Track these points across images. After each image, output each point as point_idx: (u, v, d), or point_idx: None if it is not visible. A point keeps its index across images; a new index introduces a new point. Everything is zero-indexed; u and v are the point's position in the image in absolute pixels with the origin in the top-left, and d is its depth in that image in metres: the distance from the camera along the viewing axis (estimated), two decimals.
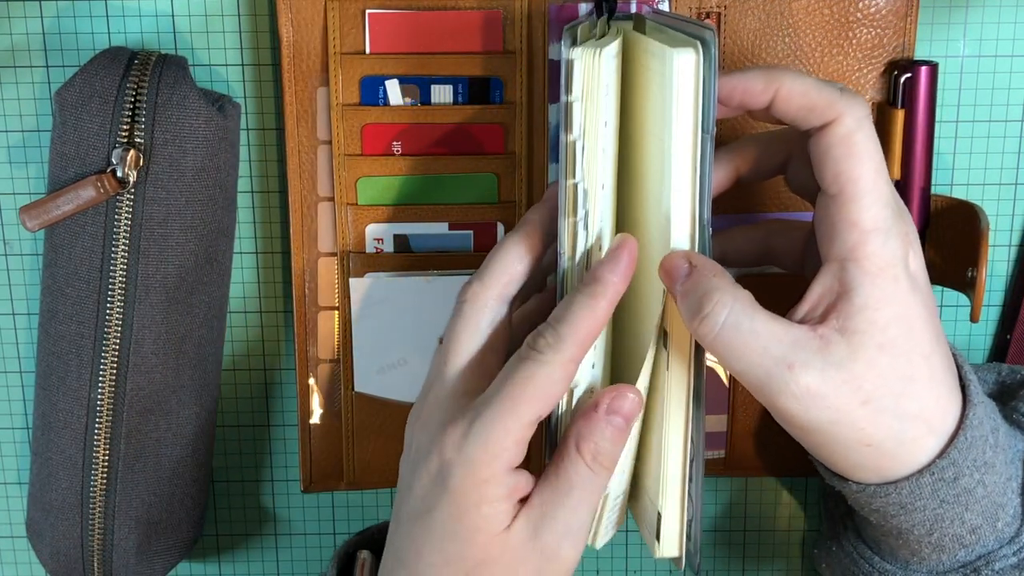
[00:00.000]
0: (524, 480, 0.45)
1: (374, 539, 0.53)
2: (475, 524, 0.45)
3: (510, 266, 0.47)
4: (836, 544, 0.51)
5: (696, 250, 0.45)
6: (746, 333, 0.43)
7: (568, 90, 0.44)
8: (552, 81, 0.55)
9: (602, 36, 0.47)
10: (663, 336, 0.47)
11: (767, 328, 0.43)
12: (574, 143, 0.45)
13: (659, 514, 0.48)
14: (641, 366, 0.47)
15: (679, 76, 0.43)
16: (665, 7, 0.55)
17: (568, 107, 0.44)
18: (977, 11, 0.56)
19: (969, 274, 0.53)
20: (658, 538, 0.49)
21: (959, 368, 0.47)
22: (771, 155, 0.49)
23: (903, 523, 0.46)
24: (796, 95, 0.44)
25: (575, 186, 0.45)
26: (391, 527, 0.48)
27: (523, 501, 0.46)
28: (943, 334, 0.46)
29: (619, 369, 0.51)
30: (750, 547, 0.64)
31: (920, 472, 0.44)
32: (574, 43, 0.44)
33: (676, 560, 0.49)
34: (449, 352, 0.47)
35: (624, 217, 0.49)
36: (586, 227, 0.46)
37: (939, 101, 0.55)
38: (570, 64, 0.44)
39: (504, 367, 0.45)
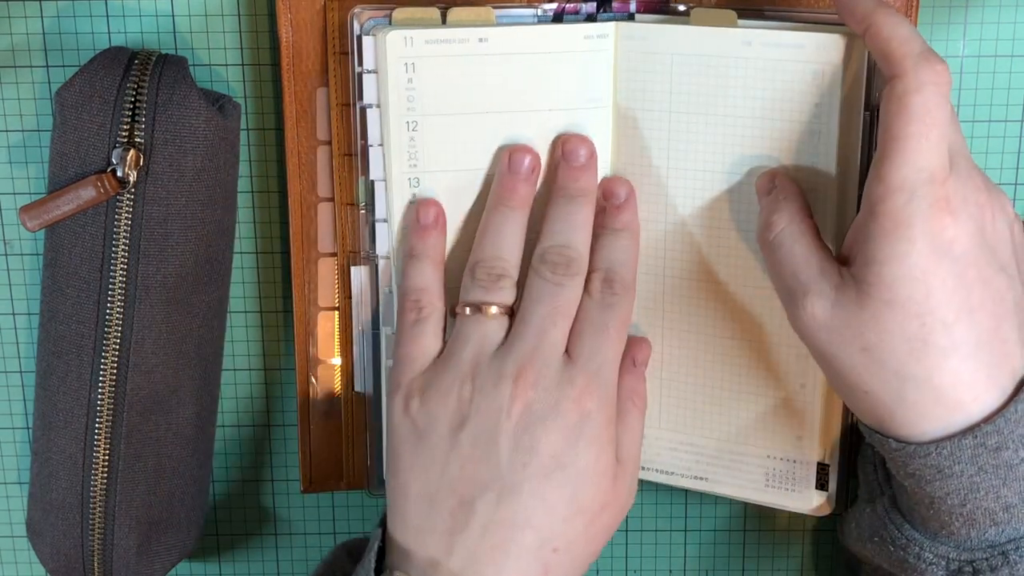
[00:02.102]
0: None
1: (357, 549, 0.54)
2: (607, 465, 0.50)
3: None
4: (870, 507, 0.51)
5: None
6: (786, 253, 0.48)
7: (359, 62, 0.51)
8: None
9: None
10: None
11: (803, 253, 0.48)
12: (363, 109, 0.52)
13: (821, 464, 0.54)
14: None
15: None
16: None
17: (359, 77, 0.52)
18: (977, 11, 0.56)
19: None
20: (824, 488, 0.55)
21: None
22: None
23: (937, 490, 0.46)
24: (879, 39, 0.45)
25: (364, 147, 0.53)
26: (451, 509, 0.49)
27: None
28: (1004, 311, 0.45)
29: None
30: (750, 547, 0.64)
31: (963, 433, 0.45)
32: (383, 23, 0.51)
33: (821, 507, 0.55)
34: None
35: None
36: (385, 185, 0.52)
37: None
38: (360, 40, 0.51)
39: (588, 319, 0.50)
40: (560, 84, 0.51)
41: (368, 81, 0.51)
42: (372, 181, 0.53)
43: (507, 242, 0.51)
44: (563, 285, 0.50)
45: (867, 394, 0.46)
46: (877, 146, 0.45)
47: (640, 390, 0.53)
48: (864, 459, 0.53)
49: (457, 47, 0.50)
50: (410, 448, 0.50)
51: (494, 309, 0.50)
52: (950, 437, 0.45)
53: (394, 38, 0.50)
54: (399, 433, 0.51)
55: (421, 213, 0.52)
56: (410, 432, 0.50)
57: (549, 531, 0.48)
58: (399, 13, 0.51)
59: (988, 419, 0.45)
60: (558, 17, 0.52)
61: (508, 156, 0.52)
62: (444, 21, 0.51)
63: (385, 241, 0.53)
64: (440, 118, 0.51)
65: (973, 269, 0.45)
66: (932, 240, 0.44)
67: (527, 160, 0.51)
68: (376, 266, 0.54)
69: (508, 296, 0.51)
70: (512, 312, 0.51)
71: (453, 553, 0.48)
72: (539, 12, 0.52)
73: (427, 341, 0.51)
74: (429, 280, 0.52)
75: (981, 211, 0.45)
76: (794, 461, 0.54)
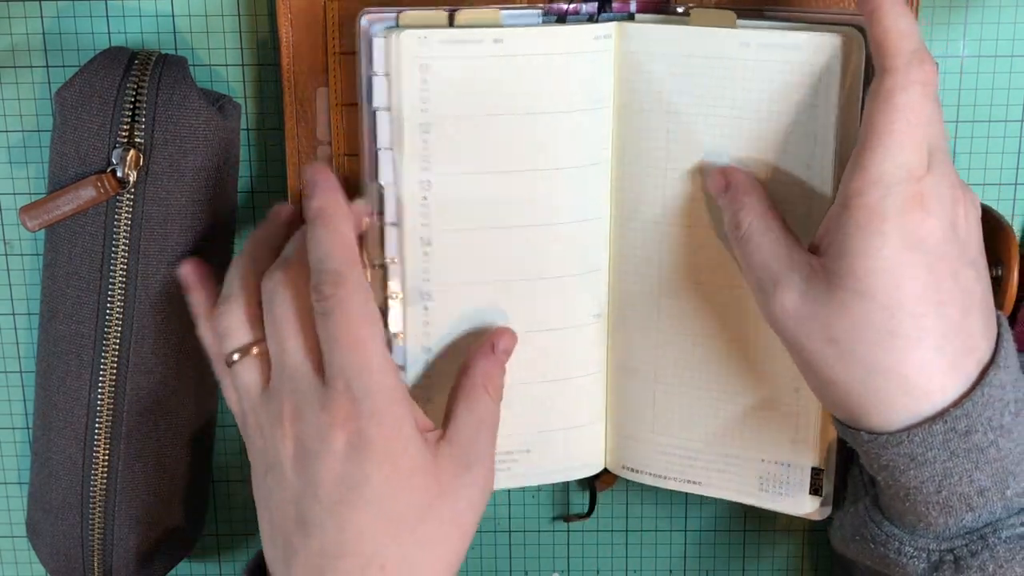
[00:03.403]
0: (419, 411, 0.48)
1: None
2: (409, 467, 0.46)
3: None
4: (853, 507, 0.52)
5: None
6: (755, 247, 0.48)
7: (370, 64, 0.50)
8: None
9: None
10: None
11: (772, 245, 0.48)
12: (374, 113, 0.51)
13: (815, 469, 0.54)
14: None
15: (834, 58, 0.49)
16: None
17: (369, 81, 0.51)
18: (977, 11, 0.56)
19: (995, 272, 0.53)
20: (819, 493, 0.55)
21: (999, 337, 0.47)
22: None
23: (912, 479, 0.46)
24: (879, 28, 0.45)
25: (375, 152, 0.51)
26: (281, 545, 0.47)
27: (429, 433, 0.48)
28: (971, 303, 0.46)
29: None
30: (750, 547, 0.64)
31: (932, 419, 0.45)
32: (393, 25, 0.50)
33: (815, 512, 0.55)
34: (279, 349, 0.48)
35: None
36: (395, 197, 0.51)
37: None
38: (370, 42, 0.50)
39: (319, 332, 0.46)
40: (568, 85, 0.51)
41: (379, 84, 0.51)
42: (382, 185, 0.52)
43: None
44: (274, 296, 0.48)
45: (836, 385, 0.47)
46: (858, 139, 0.46)
47: (495, 375, 0.51)
48: (853, 463, 0.54)
49: (472, 48, 0.50)
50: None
51: (236, 355, 0.48)
52: (920, 424, 0.45)
53: (409, 38, 0.49)
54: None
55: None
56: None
57: (368, 552, 0.46)
58: (406, 16, 0.50)
59: (956, 404, 0.45)
60: (561, 18, 0.52)
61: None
62: (451, 23, 0.51)
63: (394, 245, 0.52)
64: (453, 120, 0.51)
65: (943, 263, 0.45)
66: (905, 235, 0.45)
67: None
68: (385, 270, 0.53)
69: (244, 336, 0.49)
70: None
71: None
72: (543, 12, 0.52)
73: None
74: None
75: (954, 206, 0.46)
76: (788, 465, 0.54)
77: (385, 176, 0.51)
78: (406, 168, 0.51)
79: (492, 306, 0.53)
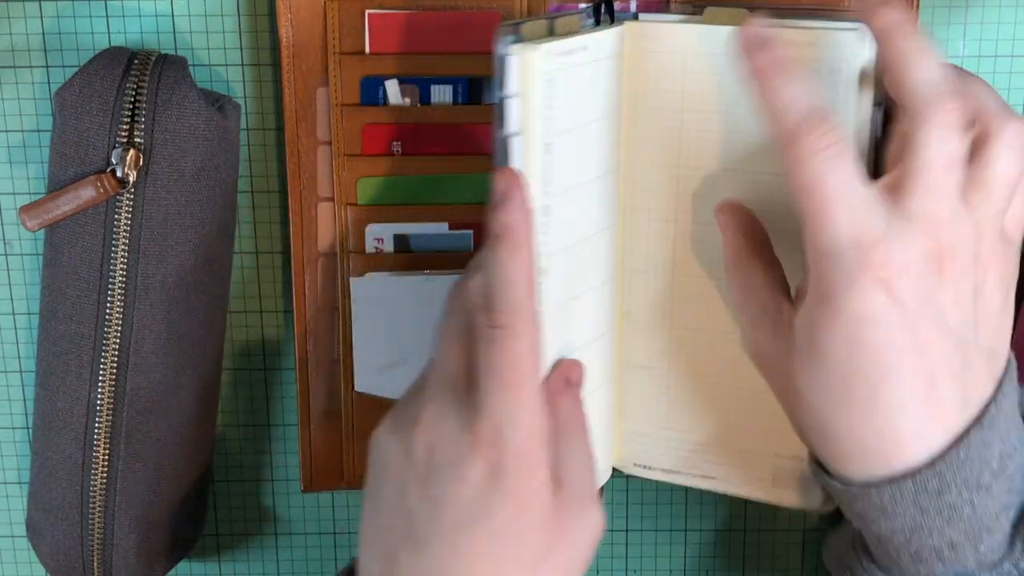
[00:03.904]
0: (554, 458, 0.46)
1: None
2: (537, 514, 0.44)
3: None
4: (842, 531, 0.51)
5: None
6: (736, 288, 0.49)
7: (502, 86, 0.45)
8: None
9: (564, 34, 0.49)
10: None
11: (747, 289, 0.48)
12: (506, 139, 0.46)
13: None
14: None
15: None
16: None
17: (502, 103, 0.45)
18: (977, 11, 0.56)
19: None
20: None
21: (997, 389, 0.45)
22: None
23: (883, 529, 0.45)
24: (890, 68, 0.44)
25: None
26: (383, 557, 0.45)
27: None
28: (940, 377, 0.44)
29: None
30: (750, 547, 0.64)
31: (903, 476, 0.44)
32: (517, 40, 0.46)
33: (827, 504, 0.54)
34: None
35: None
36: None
37: None
38: (503, 60, 0.45)
39: (481, 356, 0.44)
40: (607, 87, 0.51)
41: (512, 107, 0.45)
42: None
43: None
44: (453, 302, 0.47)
45: (803, 431, 0.47)
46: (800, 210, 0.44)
47: (576, 411, 0.48)
48: None
49: (576, 57, 0.48)
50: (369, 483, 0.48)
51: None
52: (890, 480, 0.44)
53: (542, 53, 0.46)
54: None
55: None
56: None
57: None
58: (528, 27, 0.46)
59: (929, 465, 0.43)
60: (596, 21, 0.51)
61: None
62: (551, 32, 0.48)
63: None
64: (566, 135, 0.48)
65: (907, 335, 0.43)
66: (858, 310, 0.42)
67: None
68: None
69: None
70: None
71: None
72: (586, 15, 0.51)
73: None
74: None
75: (929, 274, 0.43)
76: (802, 460, 0.54)
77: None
78: (535, 194, 0.47)
79: (566, 326, 0.51)
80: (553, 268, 0.49)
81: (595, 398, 0.54)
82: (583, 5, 0.52)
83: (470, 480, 0.44)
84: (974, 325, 0.45)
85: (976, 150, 0.44)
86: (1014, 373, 0.46)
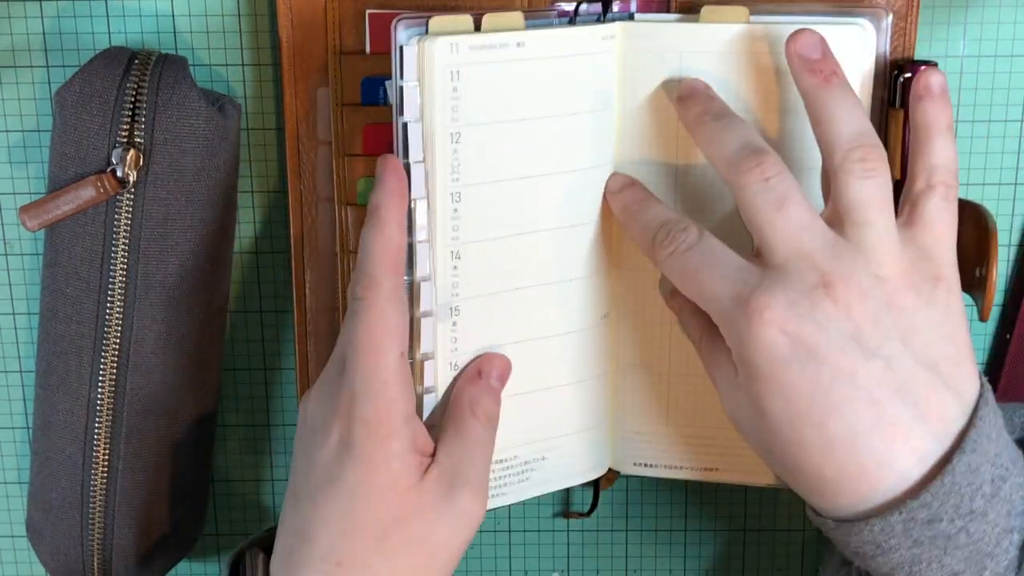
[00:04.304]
0: (422, 433, 0.48)
1: (267, 541, 0.52)
2: (386, 481, 0.46)
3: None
4: (839, 559, 0.52)
5: None
6: (710, 361, 0.49)
7: (401, 74, 0.48)
8: None
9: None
10: None
11: (724, 355, 0.48)
12: (405, 126, 0.48)
13: None
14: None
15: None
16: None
17: (400, 91, 0.48)
18: (977, 11, 0.56)
19: (977, 273, 0.52)
20: None
21: (974, 413, 0.45)
22: None
23: (882, 565, 0.45)
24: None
25: (406, 166, 0.49)
26: (287, 509, 0.49)
27: (427, 457, 0.48)
28: (879, 396, 0.44)
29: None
30: (750, 547, 0.64)
31: (888, 509, 0.44)
32: (421, 32, 0.48)
33: None
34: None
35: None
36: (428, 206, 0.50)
37: None
38: (401, 51, 0.48)
39: (343, 329, 0.48)
40: (579, 86, 0.51)
41: (411, 94, 0.48)
42: (414, 200, 0.49)
43: None
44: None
45: (782, 478, 0.48)
46: None
47: (482, 401, 0.50)
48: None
49: (498, 53, 0.49)
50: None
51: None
52: (877, 514, 0.44)
53: (441, 46, 0.48)
54: None
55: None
56: None
57: (328, 545, 0.46)
58: (436, 22, 0.48)
59: (913, 494, 0.43)
60: (571, 20, 0.51)
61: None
62: (477, 28, 0.49)
63: (426, 262, 0.50)
64: (480, 128, 0.50)
65: (826, 367, 0.44)
66: (767, 356, 0.44)
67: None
68: (418, 288, 0.51)
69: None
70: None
71: (276, 553, 0.49)
72: (557, 14, 0.51)
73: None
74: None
75: (820, 304, 0.44)
76: None
77: (417, 191, 0.49)
78: (439, 181, 0.49)
79: (513, 316, 0.52)
80: (470, 255, 0.50)
81: (568, 392, 0.55)
82: (584, 6, 0.52)
83: (329, 444, 0.47)
84: (900, 340, 0.45)
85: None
86: (989, 395, 0.46)
